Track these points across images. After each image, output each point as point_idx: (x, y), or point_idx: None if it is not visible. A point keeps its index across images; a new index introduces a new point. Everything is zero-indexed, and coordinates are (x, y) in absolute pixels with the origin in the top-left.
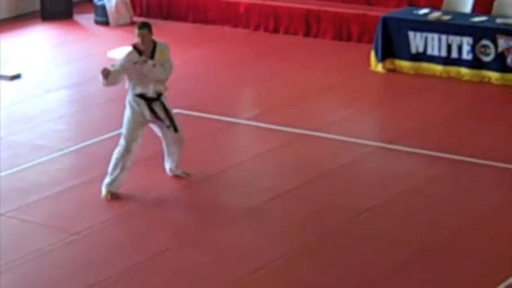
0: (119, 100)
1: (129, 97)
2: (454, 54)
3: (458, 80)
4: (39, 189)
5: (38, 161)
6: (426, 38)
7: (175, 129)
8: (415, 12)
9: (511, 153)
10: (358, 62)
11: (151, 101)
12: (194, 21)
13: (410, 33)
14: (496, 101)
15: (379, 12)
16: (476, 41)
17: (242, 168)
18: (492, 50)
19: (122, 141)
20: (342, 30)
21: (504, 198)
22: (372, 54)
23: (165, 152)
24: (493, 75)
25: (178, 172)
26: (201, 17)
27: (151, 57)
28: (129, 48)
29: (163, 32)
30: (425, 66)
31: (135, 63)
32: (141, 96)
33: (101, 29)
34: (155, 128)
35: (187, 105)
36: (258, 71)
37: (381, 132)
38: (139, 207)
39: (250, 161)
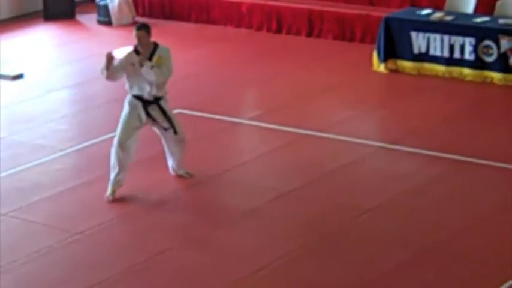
0: (120, 100)
1: (128, 97)
2: (457, 54)
3: (460, 80)
4: (40, 189)
5: (39, 161)
6: (429, 39)
7: (175, 132)
8: (417, 12)
9: None
10: (360, 62)
11: (148, 104)
12: (197, 21)
13: (413, 34)
14: (498, 101)
15: (381, 13)
16: (478, 42)
17: (244, 169)
18: (494, 51)
19: (114, 140)
20: (345, 31)
21: (505, 199)
22: (375, 54)
23: (167, 152)
24: (496, 76)
25: (181, 172)
26: (204, 17)
27: (150, 59)
28: (131, 49)
29: (165, 32)
30: (428, 66)
31: (133, 64)
32: (138, 97)
33: (103, 29)
34: (155, 129)
35: (189, 105)
36: (260, 71)
37: (383, 133)
38: (141, 208)
39: (253, 161)
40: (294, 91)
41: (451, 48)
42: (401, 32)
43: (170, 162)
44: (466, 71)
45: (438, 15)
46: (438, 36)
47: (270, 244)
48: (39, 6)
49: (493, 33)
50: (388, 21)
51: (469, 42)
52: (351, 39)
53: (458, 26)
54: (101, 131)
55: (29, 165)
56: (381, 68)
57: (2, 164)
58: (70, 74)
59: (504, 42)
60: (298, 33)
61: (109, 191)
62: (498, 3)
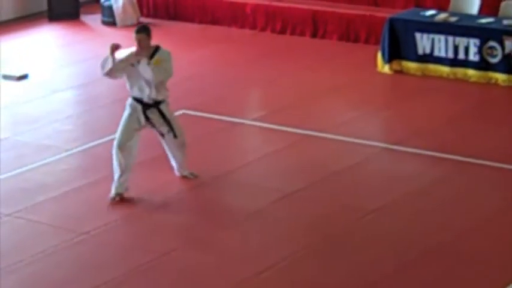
0: (125, 101)
1: (129, 99)
2: (461, 55)
3: (465, 81)
4: (45, 189)
5: (44, 162)
6: (433, 40)
7: (175, 135)
8: (421, 13)
9: None
10: (365, 63)
11: (147, 107)
12: (201, 22)
13: (417, 35)
14: (502, 102)
15: (385, 14)
16: (483, 43)
17: (248, 169)
18: (499, 52)
19: (114, 142)
20: (349, 32)
21: (510, 200)
22: (379, 55)
23: (168, 154)
24: (500, 77)
25: (185, 173)
26: (208, 18)
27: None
28: (134, 49)
29: (169, 32)
30: (432, 67)
31: (132, 65)
32: (138, 100)
33: (107, 30)
34: (156, 131)
35: (193, 105)
36: (264, 71)
37: (387, 133)
38: (146, 208)
39: (257, 161)
40: (298, 92)
41: (456, 49)
42: (406, 33)
43: (174, 163)
44: (471, 72)
45: (442, 16)
46: (442, 37)
47: (274, 245)
48: (44, 6)
49: (498, 34)
50: (392, 22)
51: (473, 43)
52: (355, 40)
53: (462, 27)
54: (105, 131)
55: (34, 166)
56: (386, 69)
57: (7, 165)
58: (75, 74)
59: (509, 43)
60: (302, 34)
61: (113, 192)
62: (502, 4)
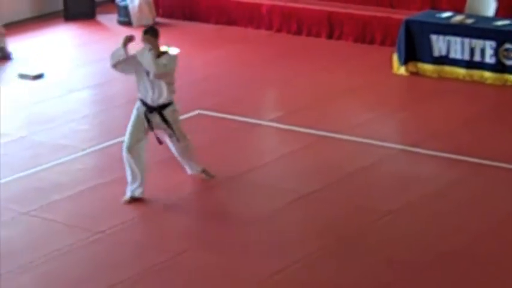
0: None
1: (137, 101)
2: (477, 57)
3: (481, 83)
4: (61, 188)
5: (60, 161)
6: (449, 42)
7: (178, 139)
8: (437, 15)
9: None
10: (380, 65)
11: (149, 110)
12: (217, 22)
13: (433, 37)
14: None
15: (401, 15)
16: (499, 45)
17: (264, 170)
18: None
19: (123, 144)
20: (365, 33)
21: None
22: (395, 57)
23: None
24: None
25: (196, 171)
26: (224, 18)
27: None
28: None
29: (185, 32)
30: (448, 69)
31: (140, 64)
32: (143, 102)
33: (123, 30)
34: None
35: (209, 106)
36: (280, 72)
37: (403, 135)
38: (161, 208)
39: (273, 162)
40: (314, 93)
41: (472, 51)
42: (422, 34)
43: (183, 165)
44: (487, 74)
45: (458, 18)
46: (458, 39)
47: (289, 246)
48: (60, 6)
49: None
50: (408, 24)
51: (489, 45)
52: (371, 42)
53: (478, 29)
54: (121, 131)
55: (49, 165)
56: (401, 70)
57: (23, 164)
58: (91, 74)
59: None
60: (318, 35)
61: (128, 195)
62: None
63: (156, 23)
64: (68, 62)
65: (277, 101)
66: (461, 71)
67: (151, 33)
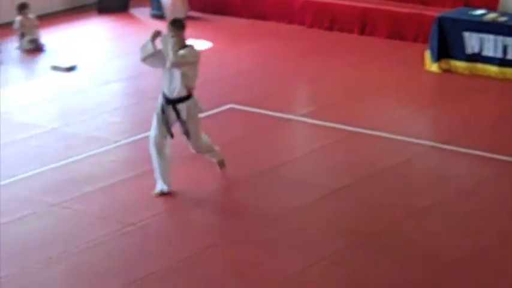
0: None
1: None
2: (510, 55)
3: None
4: (93, 180)
5: (92, 153)
6: (482, 39)
7: (188, 137)
8: (470, 12)
9: None
10: (413, 62)
11: (168, 102)
12: (249, 17)
13: (466, 34)
14: None
15: (434, 12)
16: None
17: (295, 165)
18: None
19: (150, 139)
20: (397, 30)
21: None
22: (427, 54)
23: None
24: None
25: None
26: (256, 13)
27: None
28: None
29: (218, 27)
30: (481, 67)
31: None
32: (163, 93)
33: (156, 23)
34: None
35: (241, 100)
36: (312, 67)
37: (435, 132)
38: (192, 201)
39: (304, 157)
40: (346, 88)
41: (505, 49)
42: (454, 32)
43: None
44: None
45: (492, 15)
46: (491, 37)
47: (319, 241)
48: None
49: None
50: (441, 21)
51: None
52: (404, 39)
53: None
54: None
55: (82, 157)
56: (434, 67)
57: (56, 155)
58: (123, 67)
59: None
60: (350, 31)
61: (158, 188)
62: None
63: (189, 17)
64: (101, 54)
65: (309, 96)
66: (493, 69)
67: (176, 25)
